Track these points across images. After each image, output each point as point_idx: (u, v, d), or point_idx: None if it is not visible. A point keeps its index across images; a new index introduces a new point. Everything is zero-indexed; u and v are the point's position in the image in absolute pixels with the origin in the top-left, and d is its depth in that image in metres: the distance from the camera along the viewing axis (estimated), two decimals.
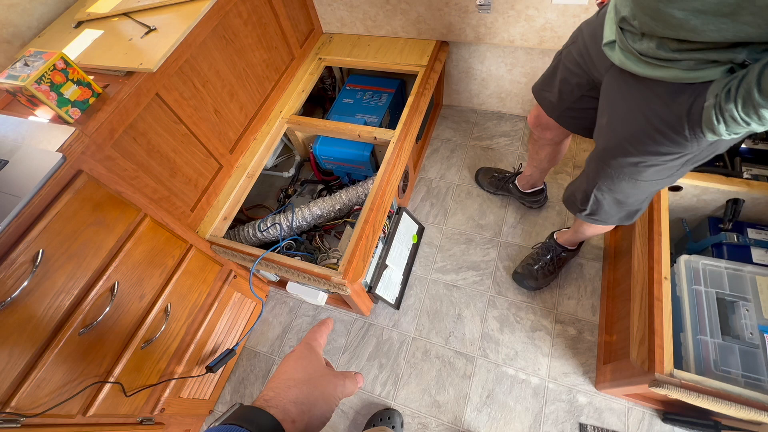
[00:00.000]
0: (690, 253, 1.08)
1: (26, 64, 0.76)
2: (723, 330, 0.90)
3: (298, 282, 1.16)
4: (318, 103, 1.83)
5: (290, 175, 1.65)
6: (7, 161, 0.72)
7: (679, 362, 0.91)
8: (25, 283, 0.67)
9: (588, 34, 0.78)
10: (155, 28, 0.96)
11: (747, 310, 0.91)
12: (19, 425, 0.70)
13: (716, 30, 0.47)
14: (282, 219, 1.36)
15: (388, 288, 1.28)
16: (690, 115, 0.58)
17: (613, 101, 0.72)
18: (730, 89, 0.51)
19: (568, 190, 0.99)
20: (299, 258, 1.23)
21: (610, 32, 0.67)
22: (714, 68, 0.53)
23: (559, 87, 0.89)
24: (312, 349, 0.41)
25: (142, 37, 0.95)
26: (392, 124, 1.53)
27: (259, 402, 0.34)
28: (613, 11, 0.65)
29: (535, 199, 1.43)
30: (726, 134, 0.55)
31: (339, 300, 1.34)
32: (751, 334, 0.88)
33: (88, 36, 0.98)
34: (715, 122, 0.54)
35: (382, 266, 1.25)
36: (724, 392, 0.78)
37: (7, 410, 0.68)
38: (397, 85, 1.58)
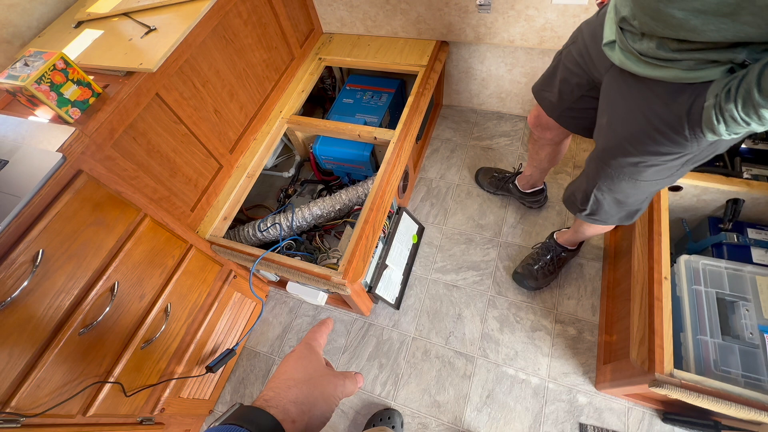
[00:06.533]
0: (690, 253, 1.08)
1: (26, 64, 0.76)
2: (723, 330, 0.90)
3: (298, 282, 1.16)
4: (318, 103, 1.83)
5: (290, 175, 1.65)
6: (7, 161, 0.72)
7: (679, 362, 0.91)
8: (25, 283, 0.67)
9: (588, 34, 0.78)
10: (155, 28, 0.96)
11: (747, 310, 0.91)
12: (19, 425, 0.70)
13: (716, 30, 0.47)
14: (282, 219, 1.36)
15: (388, 288, 1.28)
16: (690, 115, 0.58)
17: (613, 101, 0.72)
18: (730, 89, 0.51)
19: (568, 190, 1.00)
20: (299, 258, 1.23)
21: (610, 32, 0.67)
22: (714, 68, 0.53)
23: (559, 87, 0.89)
24: (312, 349, 0.41)
25: (142, 37, 0.95)
26: (392, 124, 1.53)
27: (259, 402, 0.34)
28: (613, 11, 0.65)
29: (535, 199, 1.43)
30: (726, 134, 0.55)
31: (339, 300, 1.34)
32: (751, 334, 0.88)
33: (88, 36, 0.98)
34: (715, 122, 0.54)
35: (382, 266, 1.25)
36: (724, 392, 0.78)
37: (7, 410, 0.68)
38: (397, 85, 1.58)
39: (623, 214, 0.89)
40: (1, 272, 0.65)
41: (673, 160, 0.67)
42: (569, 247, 1.26)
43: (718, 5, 0.45)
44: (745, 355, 0.87)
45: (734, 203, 1.05)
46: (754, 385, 0.83)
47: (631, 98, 0.67)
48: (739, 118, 0.51)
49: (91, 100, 0.83)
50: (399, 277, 1.35)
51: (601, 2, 0.80)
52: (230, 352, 1.17)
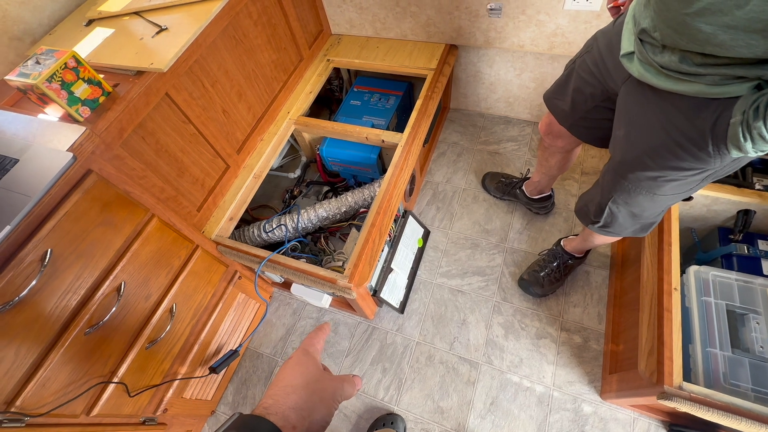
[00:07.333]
0: (699, 263, 1.07)
1: (38, 62, 0.76)
2: (733, 343, 0.89)
3: (303, 284, 1.16)
4: (325, 104, 1.83)
5: (296, 176, 1.65)
6: (18, 160, 0.71)
7: (687, 375, 0.90)
8: (33, 283, 0.67)
9: (604, 43, 0.76)
10: (166, 28, 0.96)
11: (757, 323, 0.90)
12: (23, 425, 0.70)
13: (746, 46, 0.46)
14: (287, 220, 1.36)
15: (393, 292, 1.28)
16: (714, 131, 0.57)
17: (631, 114, 0.70)
18: (759, 106, 0.49)
19: (581, 201, 0.98)
20: (304, 260, 1.22)
21: (628, 43, 0.65)
22: (740, 84, 0.51)
23: (572, 96, 0.88)
24: (309, 355, 0.41)
25: (153, 37, 0.95)
26: (399, 127, 1.52)
27: (258, 410, 0.34)
28: (632, 22, 0.64)
29: (542, 205, 1.42)
30: (752, 152, 0.54)
31: (343, 303, 1.33)
32: (761, 347, 0.87)
33: (99, 34, 0.98)
34: (742, 140, 0.53)
35: (387, 270, 1.24)
36: (734, 406, 0.78)
37: (12, 409, 0.68)
38: (405, 87, 1.58)
39: (638, 227, 0.87)
40: (9, 271, 0.64)
41: (694, 175, 0.66)
42: (576, 255, 1.25)
43: (750, 21, 0.44)
44: (755, 369, 0.86)
45: (745, 214, 1.04)
46: (764, 400, 0.82)
47: (651, 111, 0.65)
48: (767, 136, 0.50)
49: (101, 99, 0.83)
50: (404, 281, 1.35)
51: (615, 6, 0.78)
52: (233, 353, 1.17)
